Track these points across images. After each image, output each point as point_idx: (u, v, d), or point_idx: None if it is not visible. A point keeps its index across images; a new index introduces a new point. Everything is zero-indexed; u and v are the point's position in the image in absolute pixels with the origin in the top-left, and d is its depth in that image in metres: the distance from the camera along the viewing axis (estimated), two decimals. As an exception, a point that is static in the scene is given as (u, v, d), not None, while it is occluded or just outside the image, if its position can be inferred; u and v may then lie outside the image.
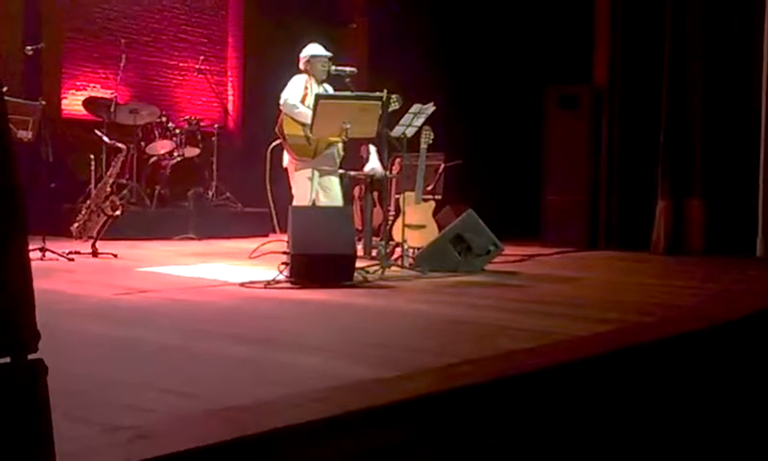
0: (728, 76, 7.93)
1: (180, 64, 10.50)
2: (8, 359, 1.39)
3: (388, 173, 6.80)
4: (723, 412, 3.58)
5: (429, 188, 7.46)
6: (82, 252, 6.29)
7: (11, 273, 1.38)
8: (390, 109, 6.30)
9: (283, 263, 5.09)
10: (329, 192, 6.42)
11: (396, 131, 6.94)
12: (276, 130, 6.33)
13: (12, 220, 1.39)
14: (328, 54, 6.50)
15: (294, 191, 6.43)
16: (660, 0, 8.22)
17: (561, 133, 8.90)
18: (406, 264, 6.00)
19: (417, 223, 6.52)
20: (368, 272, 5.42)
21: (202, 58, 10.03)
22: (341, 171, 6.39)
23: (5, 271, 1.37)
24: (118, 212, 6.64)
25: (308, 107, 6.17)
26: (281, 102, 6.30)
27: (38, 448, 1.42)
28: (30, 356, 1.42)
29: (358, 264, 5.28)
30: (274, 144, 6.43)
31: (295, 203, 6.29)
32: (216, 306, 4.33)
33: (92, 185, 7.23)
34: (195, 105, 10.56)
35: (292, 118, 6.26)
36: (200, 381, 2.60)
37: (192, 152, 9.06)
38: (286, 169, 6.49)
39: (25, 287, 1.40)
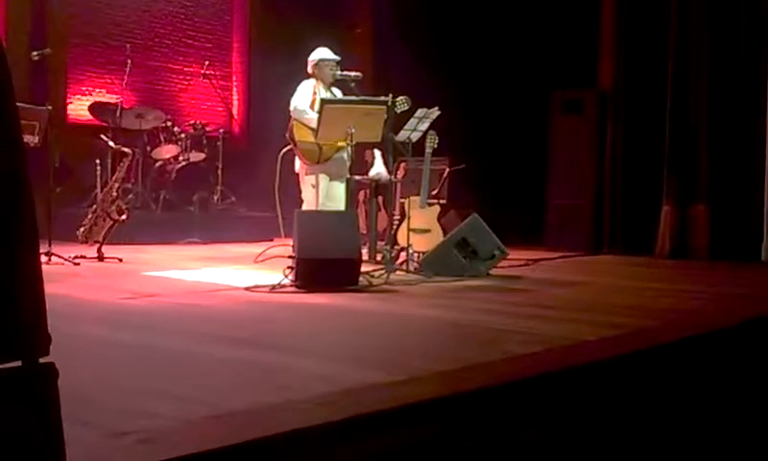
0: (734, 80, 7.91)
1: (186, 69, 10.53)
2: (19, 363, 1.40)
3: (393, 177, 6.81)
4: (727, 416, 3.57)
5: (434, 192, 7.46)
6: (87, 256, 6.31)
7: (22, 277, 1.39)
8: (399, 111, 6.31)
9: (288, 267, 5.10)
10: (333, 196, 6.44)
11: (401, 135, 6.95)
12: (287, 135, 6.35)
13: (23, 225, 1.40)
14: (336, 57, 6.53)
15: (303, 195, 6.45)
16: (665, 4, 8.22)
17: (566, 137, 8.90)
18: (411, 268, 6.00)
19: (421, 227, 6.52)
20: (373, 276, 5.42)
21: (207, 62, 10.06)
22: (347, 175, 6.40)
23: (16, 275, 1.38)
24: (124, 217, 6.66)
25: (317, 111, 6.19)
26: (291, 108, 6.32)
27: (49, 451, 1.43)
28: (41, 360, 1.43)
29: (363, 268, 5.29)
30: (285, 150, 6.45)
31: (305, 207, 6.32)
32: (221, 311, 4.34)
33: (98, 190, 7.25)
34: (200, 109, 10.59)
35: (302, 124, 6.28)
36: (204, 386, 2.60)
37: (197, 156, 9.08)
38: (298, 174, 6.52)
39: (36, 291, 1.41)
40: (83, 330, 3.58)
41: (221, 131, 9.50)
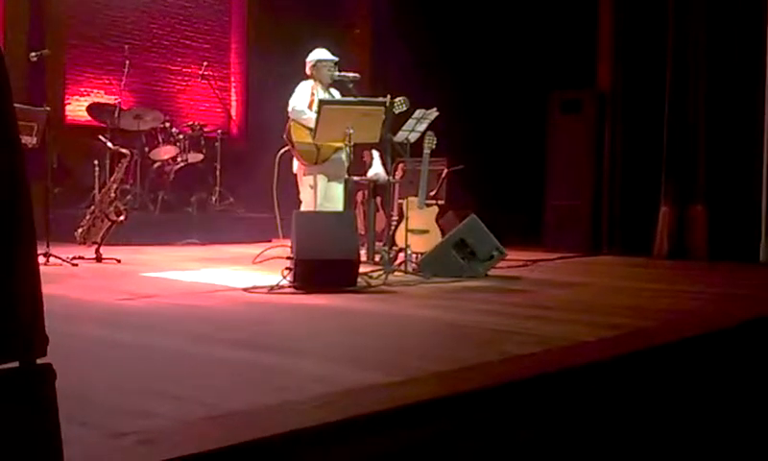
0: (732, 80, 7.92)
1: (184, 70, 10.53)
2: (16, 363, 1.40)
3: (391, 178, 6.81)
4: (726, 417, 3.58)
5: (432, 193, 7.46)
6: (85, 257, 6.31)
7: (20, 277, 1.39)
8: (397, 112, 6.32)
9: (287, 268, 5.10)
10: (331, 197, 6.44)
11: (400, 136, 6.95)
12: (285, 136, 6.35)
13: (21, 226, 1.40)
14: (334, 58, 6.53)
15: (302, 196, 6.45)
16: (663, 6, 8.23)
17: (564, 137, 8.91)
18: (409, 269, 6.00)
19: (420, 228, 6.52)
20: (371, 277, 5.42)
21: (205, 63, 10.06)
22: (345, 176, 6.40)
23: (14, 276, 1.38)
24: (122, 218, 6.66)
25: (315, 112, 6.18)
26: (289, 109, 6.32)
27: (47, 453, 1.43)
28: (39, 360, 1.43)
29: (361, 269, 5.29)
30: (282, 151, 6.45)
31: (303, 208, 6.32)
32: (220, 311, 4.34)
33: (96, 191, 7.24)
34: (198, 110, 10.59)
35: (300, 124, 6.27)
36: (202, 386, 2.60)
37: (195, 157, 9.08)
38: (295, 175, 6.52)
39: (34, 291, 1.41)
40: (81, 331, 3.57)
41: (219, 131, 9.51)
